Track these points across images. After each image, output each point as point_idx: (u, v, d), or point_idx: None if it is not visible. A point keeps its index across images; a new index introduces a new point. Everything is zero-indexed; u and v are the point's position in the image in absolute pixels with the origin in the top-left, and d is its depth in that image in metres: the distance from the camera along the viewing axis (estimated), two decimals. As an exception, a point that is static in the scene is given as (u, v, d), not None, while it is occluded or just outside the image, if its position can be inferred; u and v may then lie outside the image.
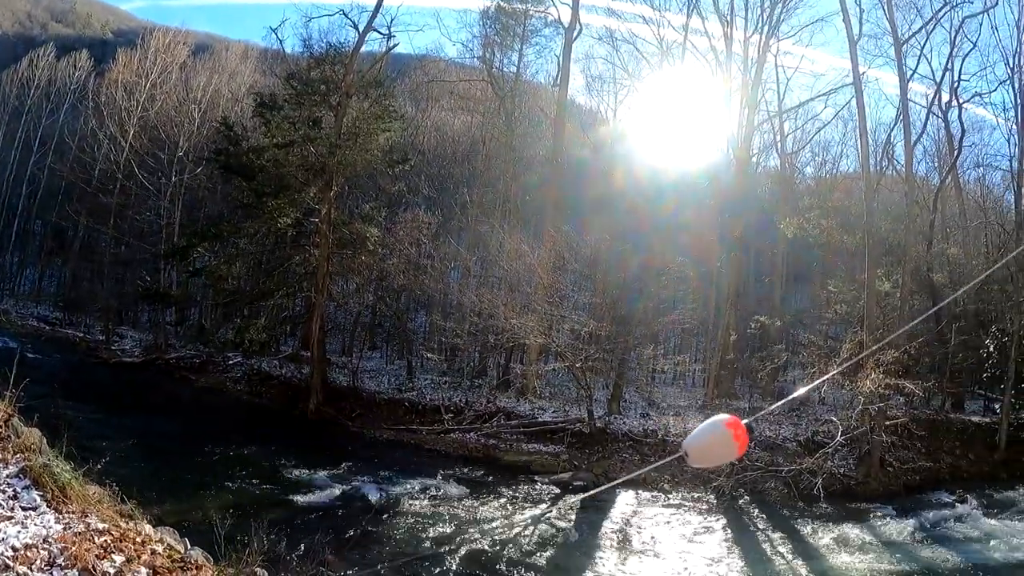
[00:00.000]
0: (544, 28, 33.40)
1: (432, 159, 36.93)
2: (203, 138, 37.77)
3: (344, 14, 28.27)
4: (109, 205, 41.45)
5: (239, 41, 57.22)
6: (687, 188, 27.84)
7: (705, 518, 15.14)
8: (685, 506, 16.00)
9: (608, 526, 14.00)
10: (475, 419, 22.53)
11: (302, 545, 9.79)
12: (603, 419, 22.19)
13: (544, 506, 15.35)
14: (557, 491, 16.59)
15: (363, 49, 28.00)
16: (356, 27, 27.75)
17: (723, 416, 3.36)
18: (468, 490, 15.86)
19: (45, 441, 8.92)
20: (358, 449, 19.94)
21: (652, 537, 13.33)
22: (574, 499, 16.06)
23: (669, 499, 16.47)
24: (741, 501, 16.60)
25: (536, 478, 17.44)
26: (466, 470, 18.05)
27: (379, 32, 27.85)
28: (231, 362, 29.79)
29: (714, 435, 3.34)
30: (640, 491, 16.79)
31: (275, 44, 37.36)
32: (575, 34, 29.73)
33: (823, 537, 14.42)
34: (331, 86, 25.94)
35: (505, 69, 32.80)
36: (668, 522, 14.65)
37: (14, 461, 7.90)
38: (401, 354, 31.67)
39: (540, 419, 22.64)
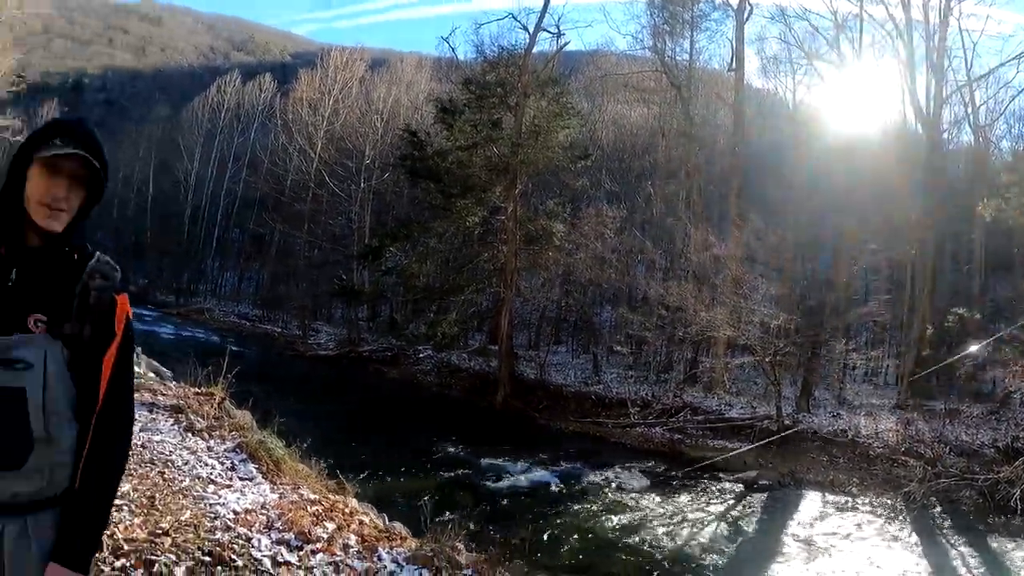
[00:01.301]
0: (713, 12, 32.52)
1: (612, 153, 36.82)
2: (387, 146, 39.27)
3: (513, 17, 28.69)
4: (302, 212, 44.50)
5: (412, 53, 59.10)
6: (874, 169, 26.12)
7: (893, 526, 13.94)
8: (872, 512, 14.79)
9: (791, 528, 13.34)
10: (661, 413, 21.99)
11: (491, 528, 9.89)
12: (791, 416, 21.22)
13: (727, 504, 14.83)
14: (741, 489, 15.92)
15: (535, 49, 28.14)
16: (526, 29, 27.97)
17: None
18: (651, 484, 15.51)
19: (255, 423, 9.74)
20: (544, 440, 19.99)
21: (836, 543, 12.50)
22: (758, 498, 15.44)
23: (856, 504, 15.35)
24: (932, 510, 15.24)
25: (720, 475, 16.83)
26: (650, 464, 17.64)
27: (548, 32, 28.01)
28: (421, 355, 30.66)
29: None
30: (826, 494, 15.84)
31: (447, 52, 38.21)
32: (746, 15, 28.93)
33: (1018, 555, 13.06)
34: (508, 88, 26.35)
35: (678, 57, 32.04)
36: (854, 528, 13.66)
37: (230, 437, 8.74)
38: (587, 348, 31.60)
39: (727, 415, 21.93)
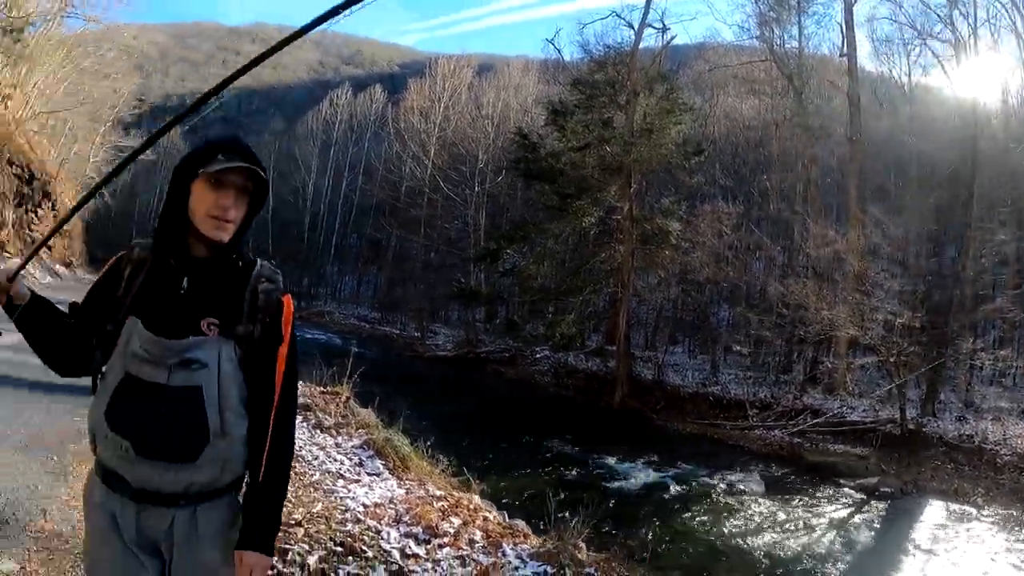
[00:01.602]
0: (820, -5, 31.53)
1: (725, 147, 35.97)
2: (499, 149, 39.57)
3: (617, 15, 28.72)
4: (418, 217, 45.52)
5: (517, 57, 59.51)
6: (999, 154, 24.73)
7: (1020, 541, 13.13)
8: (998, 525, 13.79)
9: (912, 539, 12.55)
10: (780, 416, 21.31)
11: (608, 528, 9.84)
12: (915, 420, 20.22)
13: (846, 511, 14.17)
14: (861, 496, 15.14)
15: (641, 46, 27.95)
16: (631, 25, 27.96)
17: None
18: (769, 488, 14.96)
19: (379, 421, 10.06)
20: (661, 441, 19.65)
21: (957, 557, 11.58)
22: (878, 506, 14.80)
23: (981, 515, 14.24)
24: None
25: (840, 480, 16.07)
26: (769, 468, 17.08)
27: (654, 27, 27.87)
28: (538, 355, 30.79)
29: None
30: (949, 503, 14.72)
31: (553, 54, 38.35)
32: (854, -4, 27.74)
33: None
34: (617, 86, 26.08)
35: (786, 45, 31.01)
36: (978, 541, 12.76)
37: (357, 435, 9.10)
38: (704, 348, 31.10)
39: (848, 418, 21.02)
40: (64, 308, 2.17)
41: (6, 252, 30.82)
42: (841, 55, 28.69)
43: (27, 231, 37.03)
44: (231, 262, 2.13)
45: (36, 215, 38.71)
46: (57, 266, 43.19)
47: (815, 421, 20.80)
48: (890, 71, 34.47)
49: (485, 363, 32.28)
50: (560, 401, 25.81)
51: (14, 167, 33.23)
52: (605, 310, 29.72)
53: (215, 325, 2.04)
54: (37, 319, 2.11)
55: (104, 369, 2.08)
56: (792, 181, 29.86)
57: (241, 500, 2.19)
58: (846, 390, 23.43)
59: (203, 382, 2.01)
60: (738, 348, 28.20)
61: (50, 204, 42.02)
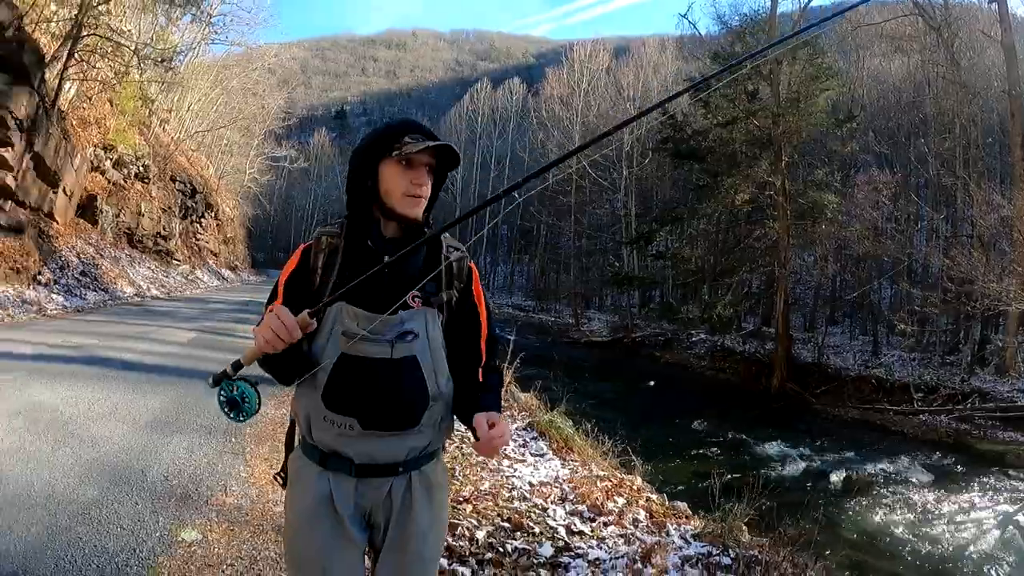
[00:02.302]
0: (965, -63, 29.40)
1: (876, 112, 34.27)
2: (644, 131, 39.21)
3: (751, -20, 27.62)
4: (567, 204, 45.73)
5: (652, 36, 58.73)
6: None
7: None
8: None
9: None
10: (946, 400, 20.19)
11: (767, 514, 9.43)
12: None
13: (1016, 506, 13.08)
14: None
15: (778, 11, 27.04)
16: (767, -10, 26.81)
17: None
18: (934, 479, 14.06)
19: (540, 404, 10.24)
20: (821, 427, 19.05)
21: None
22: None
23: None
24: None
25: (1011, 472, 14.84)
26: (933, 457, 16.07)
27: (791, -10, 26.73)
28: (694, 339, 30.52)
29: None
30: None
31: (688, 29, 37.97)
32: (1002, -65, 25.60)
33: None
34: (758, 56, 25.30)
35: (932, -5, 29.35)
36: None
37: (520, 417, 9.27)
38: (865, 328, 29.92)
39: (1019, 403, 19.44)
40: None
41: (175, 259, 32.71)
42: (990, 1, 26.78)
43: (193, 240, 39.29)
44: (421, 236, 2.15)
45: (200, 225, 41.13)
46: (224, 270, 45.75)
47: (983, 406, 19.61)
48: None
49: (640, 347, 32.23)
50: (717, 385, 25.50)
51: (177, 183, 35.44)
52: (761, 290, 29.08)
53: (418, 297, 2.13)
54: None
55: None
56: (951, 144, 27.87)
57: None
58: (1017, 372, 21.94)
59: (418, 352, 2.11)
60: (901, 327, 26.48)
61: (213, 214, 44.51)
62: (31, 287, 16.46)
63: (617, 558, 4.79)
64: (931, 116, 30.07)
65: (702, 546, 5.29)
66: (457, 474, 6.36)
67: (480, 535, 4.93)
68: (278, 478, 2.33)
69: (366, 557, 2.22)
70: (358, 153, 2.18)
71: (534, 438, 8.55)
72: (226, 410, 2.05)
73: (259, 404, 2.06)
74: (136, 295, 22.51)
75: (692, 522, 6.11)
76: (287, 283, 2.16)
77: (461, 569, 4.31)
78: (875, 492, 13.08)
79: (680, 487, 10.73)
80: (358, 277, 2.01)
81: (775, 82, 24.85)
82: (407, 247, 2.06)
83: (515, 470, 6.98)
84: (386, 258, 2.06)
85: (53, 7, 19.37)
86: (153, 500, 4.92)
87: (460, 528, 4.95)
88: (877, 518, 11.52)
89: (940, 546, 10.38)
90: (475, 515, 5.38)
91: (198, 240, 40.41)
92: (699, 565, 4.87)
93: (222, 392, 2.03)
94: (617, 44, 63.68)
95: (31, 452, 5.63)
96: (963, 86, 26.45)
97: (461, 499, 5.65)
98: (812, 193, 24.74)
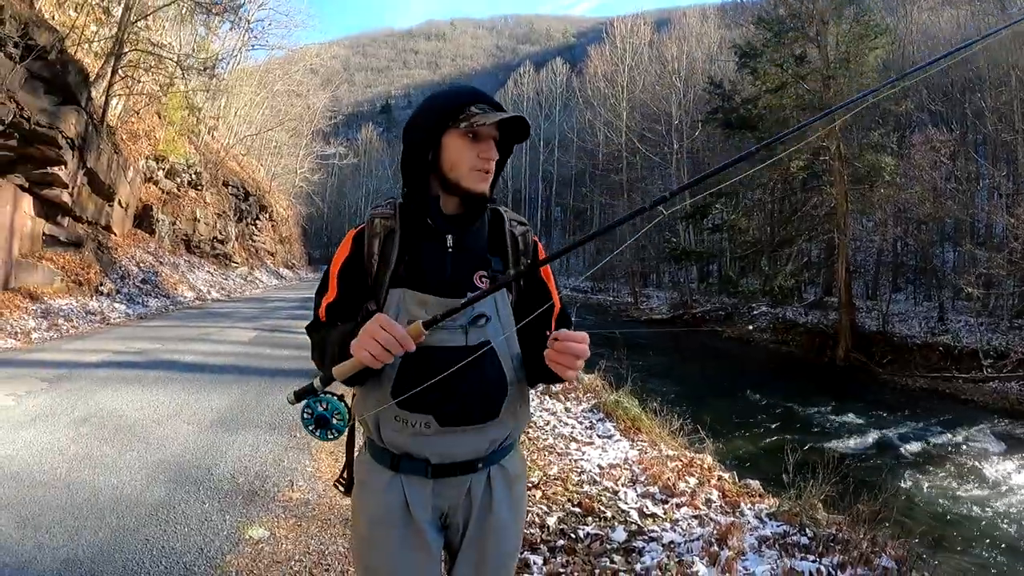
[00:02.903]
0: None
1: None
2: (692, 103, 39.27)
3: (792, -62, 26.87)
4: (619, 181, 45.95)
5: (692, 6, 58.05)
6: None
7: None
8: None
9: None
10: (1016, 365, 19.29)
11: (838, 489, 9.16)
12: None
13: None
14: None
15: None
16: (809, -53, 26.20)
17: None
18: (1008, 448, 13.61)
19: (605, 385, 10.34)
20: (888, 397, 18.60)
21: None
22: None
23: None
24: None
25: None
26: (1005, 425, 15.58)
27: (833, -54, 25.98)
28: (755, 312, 30.18)
29: None
30: None
31: (729, -5, 37.30)
32: None
33: None
34: (803, 17, 24.71)
35: (980, -61, 28.45)
36: None
37: (585, 399, 9.36)
38: (929, 294, 29.06)
39: None
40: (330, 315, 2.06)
41: (233, 262, 33.20)
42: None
43: (250, 241, 39.88)
44: (483, 212, 2.03)
45: (256, 227, 41.73)
46: (281, 269, 46.47)
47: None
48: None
49: (701, 323, 32.00)
50: (781, 358, 25.19)
51: (229, 187, 36.02)
52: (821, 259, 28.56)
53: (486, 277, 1.98)
54: None
55: None
56: (1007, 97, 26.92)
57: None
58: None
59: (491, 336, 1.94)
60: (968, 291, 25.68)
61: (267, 215, 45.17)
62: (94, 298, 16.86)
63: (692, 540, 4.68)
64: (984, 69, 29.09)
65: (778, 525, 5.19)
66: (525, 459, 6.22)
67: (551, 521, 4.88)
68: (339, 484, 2.17)
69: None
70: (417, 124, 1.99)
71: (600, 419, 8.54)
72: (312, 427, 1.86)
73: (350, 419, 1.89)
74: (197, 299, 22.93)
75: (766, 501, 6.07)
76: (340, 273, 2.00)
77: (533, 557, 4.24)
78: (947, 463, 12.75)
79: (748, 464, 10.56)
80: (420, 260, 1.92)
81: (823, 44, 24.26)
82: (469, 222, 1.97)
83: (583, 453, 6.93)
84: (449, 239, 1.95)
85: (93, 27, 19.80)
86: (220, 499, 4.95)
87: (530, 515, 4.91)
88: (950, 490, 11.22)
89: (1015, 518, 10.05)
90: (545, 501, 5.35)
91: (254, 242, 41.06)
92: (776, 546, 4.75)
93: (308, 408, 1.84)
94: (658, 17, 63.17)
95: (98, 458, 5.71)
96: (1016, 34, 25.58)
97: (530, 484, 5.53)
98: (868, 156, 24.13)
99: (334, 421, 1.84)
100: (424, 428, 1.90)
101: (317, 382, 1.81)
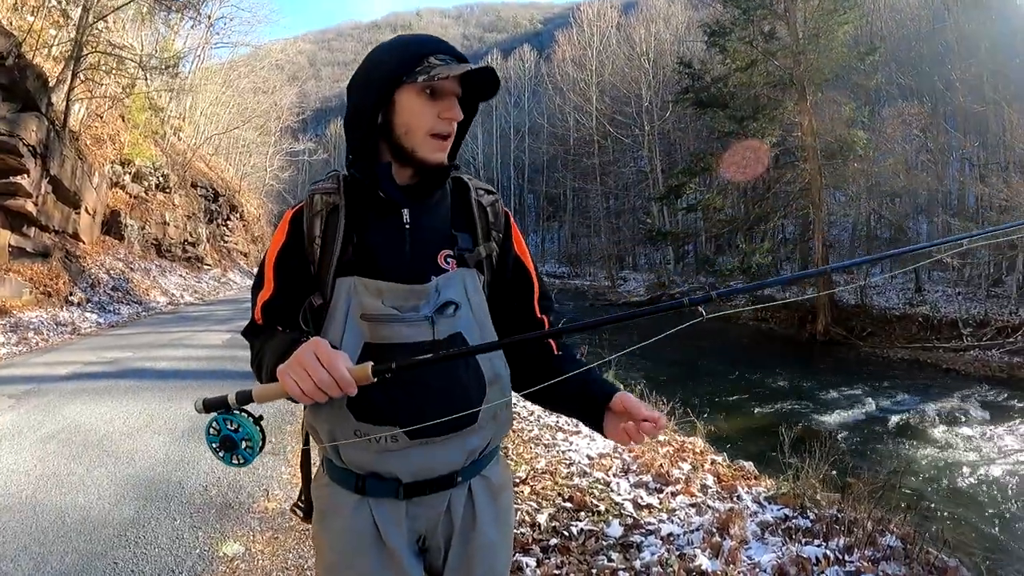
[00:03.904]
0: None
1: (898, 43, 33.26)
2: (661, 84, 39.51)
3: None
4: (592, 166, 46.15)
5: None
6: None
7: None
8: None
9: None
10: (997, 333, 19.63)
11: (828, 466, 9.09)
12: None
13: None
14: None
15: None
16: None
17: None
18: (989, 415, 13.66)
19: None
20: (871, 370, 18.66)
21: None
22: None
23: None
24: None
25: None
26: (987, 392, 15.60)
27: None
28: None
29: None
30: None
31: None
32: None
33: None
34: (772, -7, 24.72)
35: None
36: None
37: None
38: (905, 265, 29.26)
39: None
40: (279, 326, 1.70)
41: (205, 264, 32.87)
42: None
43: (222, 243, 39.49)
44: (445, 181, 1.73)
45: (227, 227, 41.33)
46: (255, 269, 45.98)
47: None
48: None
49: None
50: (762, 335, 25.37)
51: (199, 188, 35.63)
52: (797, 235, 28.57)
53: (451, 256, 1.67)
54: None
55: None
56: (977, 69, 27.00)
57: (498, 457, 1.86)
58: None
59: (462, 327, 1.64)
60: (947, 260, 25.63)
61: (238, 215, 44.79)
62: (64, 308, 16.50)
63: (692, 531, 4.52)
64: (952, 42, 29.13)
65: (778, 509, 5.08)
66: (510, 453, 6.13)
67: (542, 519, 4.69)
68: (296, 510, 1.87)
69: None
70: (366, 79, 1.65)
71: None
72: (215, 447, 1.48)
73: (261, 449, 1.50)
74: (170, 304, 22.59)
75: (762, 483, 5.95)
76: (277, 264, 1.67)
77: (525, 560, 4.02)
78: (936, 433, 12.71)
79: (739, 444, 10.38)
80: (372, 240, 1.62)
81: (792, 19, 24.15)
82: (426, 194, 1.68)
83: (571, 443, 6.77)
84: (406, 214, 1.64)
85: (52, 31, 19.38)
86: (192, 514, 4.75)
87: (520, 513, 4.71)
88: (942, 460, 11.18)
89: (1006, 486, 9.99)
90: (534, 497, 5.16)
91: (226, 242, 40.66)
92: (779, 531, 4.61)
93: (215, 425, 1.47)
94: (625, 0, 63.18)
95: (64, 476, 5.50)
96: (984, 8, 25.64)
97: (517, 480, 5.41)
98: (840, 131, 24.07)
99: (242, 447, 1.47)
100: (391, 443, 1.59)
101: (232, 397, 1.45)
